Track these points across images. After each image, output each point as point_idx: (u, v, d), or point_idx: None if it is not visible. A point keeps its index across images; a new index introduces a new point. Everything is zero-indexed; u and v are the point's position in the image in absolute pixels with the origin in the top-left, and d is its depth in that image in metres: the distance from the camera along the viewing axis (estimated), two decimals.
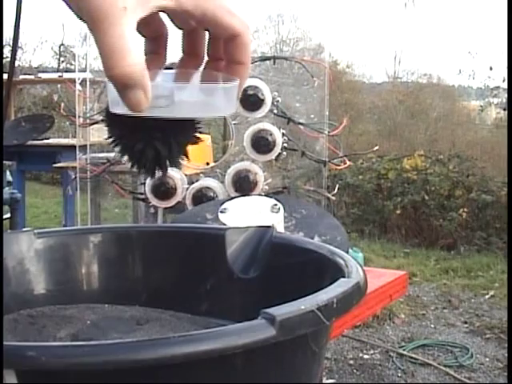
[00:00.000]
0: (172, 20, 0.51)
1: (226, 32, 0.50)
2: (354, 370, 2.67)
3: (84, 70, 2.77)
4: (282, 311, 0.39)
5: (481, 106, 8.59)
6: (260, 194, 1.98)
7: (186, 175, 2.16)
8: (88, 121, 2.42)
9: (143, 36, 0.51)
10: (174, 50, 0.55)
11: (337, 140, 2.22)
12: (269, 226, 0.68)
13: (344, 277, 0.51)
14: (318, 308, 0.41)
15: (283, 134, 2.05)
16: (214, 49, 0.52)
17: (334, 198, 2.19)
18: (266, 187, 2.07)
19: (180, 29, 0.52)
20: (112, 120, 0.53)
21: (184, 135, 0.54)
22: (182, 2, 0.47)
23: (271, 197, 1.63)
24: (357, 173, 5.73)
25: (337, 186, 2.58)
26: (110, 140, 0.54)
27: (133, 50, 0.44)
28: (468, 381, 2.56)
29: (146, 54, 0.49)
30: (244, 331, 0.38)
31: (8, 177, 4.37)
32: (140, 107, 0.46)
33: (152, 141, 0.52)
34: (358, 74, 11.08)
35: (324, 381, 2.51)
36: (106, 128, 0.54)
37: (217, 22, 0.49)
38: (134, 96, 0.46)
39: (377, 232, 5.37)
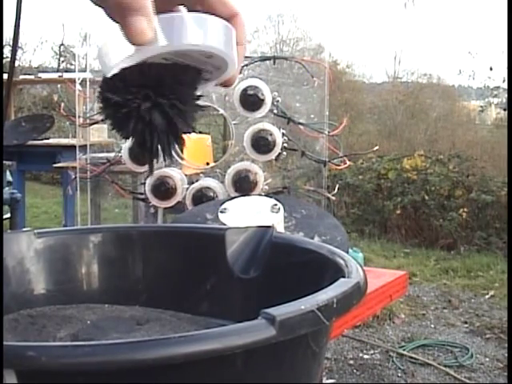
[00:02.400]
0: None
1: (226, 11, 0.49)
2: (354, 370, 2.67)
3: (84, 70, 2.77)
4: (282, 311, 0.39)
5: (481, 106, 8.59)
6: (260, 194, 1.98)
7: (186, 175, 2.16)
8: (88, 121, 2.42)
9: None
10: None
11: (337, 140, 2.22)
12: (269, 226, 0.68)
13: (344, 277, 0.51)
14: (318, 308, 0.41)
15: (283, 134, 2.05)
16: None
17: (333, 198, 2.18)
18: (266, 187, 2.06)
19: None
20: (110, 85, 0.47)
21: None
22: None
23: (271, 197, 1.63)
24: (357, 173, 5.73)
25: (337, 186, 2.57)
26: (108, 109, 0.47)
27: None
28: (468, 381, 2.56)
29: None
30: (244, 331, 0.38)
31: (8, 177, 4.36)
32: (143, 37, 0.42)
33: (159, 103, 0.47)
34: (358, 73, 11.08)
35: (324, 381, 2.51)
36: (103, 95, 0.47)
37: (219, 1, 0.49)
38: (136, 23, 0.41)
39: (377, 232, 5.36)
